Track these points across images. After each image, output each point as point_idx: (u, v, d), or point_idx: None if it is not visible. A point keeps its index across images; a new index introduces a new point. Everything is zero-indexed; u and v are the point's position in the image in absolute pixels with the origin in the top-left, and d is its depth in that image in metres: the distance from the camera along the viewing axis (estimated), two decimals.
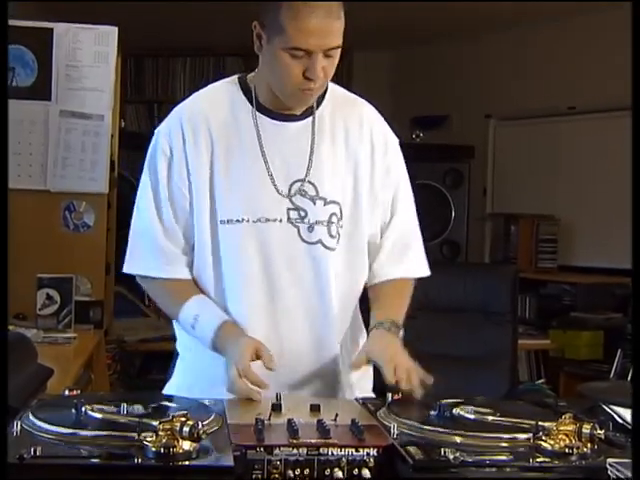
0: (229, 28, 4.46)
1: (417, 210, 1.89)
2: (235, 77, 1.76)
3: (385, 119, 1.84)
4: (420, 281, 1.88)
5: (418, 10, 4.94)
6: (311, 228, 1.69)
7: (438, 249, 5.11)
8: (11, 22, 3.30)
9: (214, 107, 1.71)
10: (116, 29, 3.39)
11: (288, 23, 1.55)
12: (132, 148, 3.73)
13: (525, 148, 5.61)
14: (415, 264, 1.84)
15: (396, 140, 1.83)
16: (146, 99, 6.17)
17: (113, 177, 3.54)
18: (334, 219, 1.71)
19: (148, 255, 1.72)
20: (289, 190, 1.69)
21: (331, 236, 1.71)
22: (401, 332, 1.69)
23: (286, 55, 1.57)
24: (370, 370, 1.79)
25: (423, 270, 1.85)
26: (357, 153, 1.75)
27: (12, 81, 3.31)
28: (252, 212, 1.67)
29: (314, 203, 1.70)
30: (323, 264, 1.70)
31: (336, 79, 1.70)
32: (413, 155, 5.66)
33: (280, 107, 1.70)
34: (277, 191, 1.68)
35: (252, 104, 1.70)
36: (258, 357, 1.58)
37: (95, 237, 3.39)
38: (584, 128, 5.23)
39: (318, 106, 1.73)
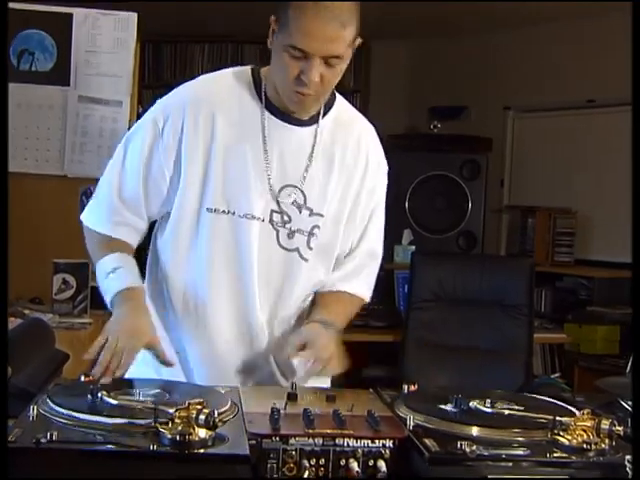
0: (248, 15, 4.45)
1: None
2: (249, 68, 1.73)
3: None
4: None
5: (437, 1, 4.90)
6: (291, 235, 1.69)
7: (454, 240, 5.10)
8: (31, 7, 3.32)
9: (222, 95, 1.69)
10: (135, 15, 3.38)
11: (291, 21, 1.52)
12: None
13: (543, 141, 5.57)
14: (364, 286, 1.83)
15: (386, 166, 1.83)
16: (164, 85, 6.19)
17: None
18: (316, 231, 1.71)
19: (102, 210, 1.73)
20: (279, 193, 1.68)
21: (309, 247, 1.71)
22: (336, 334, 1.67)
23: (285, 54, 1.55)
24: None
25: (367, 294, 1.84)
26: (350, 171, 1.74)
27: (31, 65, 3.32)
28: (240, 207, 1.66)
29: (300, 211, 1.69)
30: (294, 272, 1.71)
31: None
32: (430, 146, 5.69)
33: (286, 108, 1.67)
34: (270, 191, 1.67)
35: (261, 100, 1.68)
36: (148, 347, 1.55)
37: None
38: (603, 121, 5.19)
39: (324, 116, 1.71)
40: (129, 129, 3.39)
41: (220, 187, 1.66)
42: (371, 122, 1.85)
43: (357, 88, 5.96)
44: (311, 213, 1.70)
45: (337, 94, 1.74)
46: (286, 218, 1.68)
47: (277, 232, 1.69)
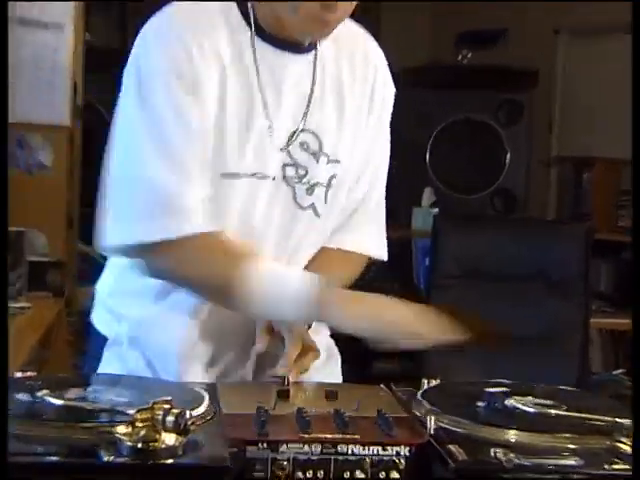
0: None
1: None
2: None
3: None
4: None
5: None
6: (310, 190, 1.71)
7: (488, 201, 5.12)
8: None
9: (215, 30, 1.64)
10: None
11: None
12: (100, 69, 3.72)
13: (604, 73, 5.55)
14: (374, 241, 1.86)
15: (393, 90, 1.84)
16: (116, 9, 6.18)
17: (76, 105, 3.54)
18: (333, 182, 1.73)
19: (157, 213, 1.57)
20: (288, 140, 1.68)
21: (325, 202, 1.73)
22: None
23: None
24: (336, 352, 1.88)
25: (380, 252, 1.87)
26: (359, 100, 1.76)
27: None
28: (246, 166, 1.65)
29: (317, 160, 1.70)
30: (306, 233, 1.74)
31: None
32: (458, 82, 5.68)
33: (284, 32, 1.65)
34: (275, 140, 1.67)
35: (250, 27, 1.66)
36: None
37: (53, 181, 3.41)
38: None
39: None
40: (74, 61, 3.41)
41: (221, 146, 1.63)
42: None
43: (365, 8, 5.95)
44: (329, 160, 1.72)
45: None
46: (302, 172, 1.69)
47: (293, 189, 1.69)
